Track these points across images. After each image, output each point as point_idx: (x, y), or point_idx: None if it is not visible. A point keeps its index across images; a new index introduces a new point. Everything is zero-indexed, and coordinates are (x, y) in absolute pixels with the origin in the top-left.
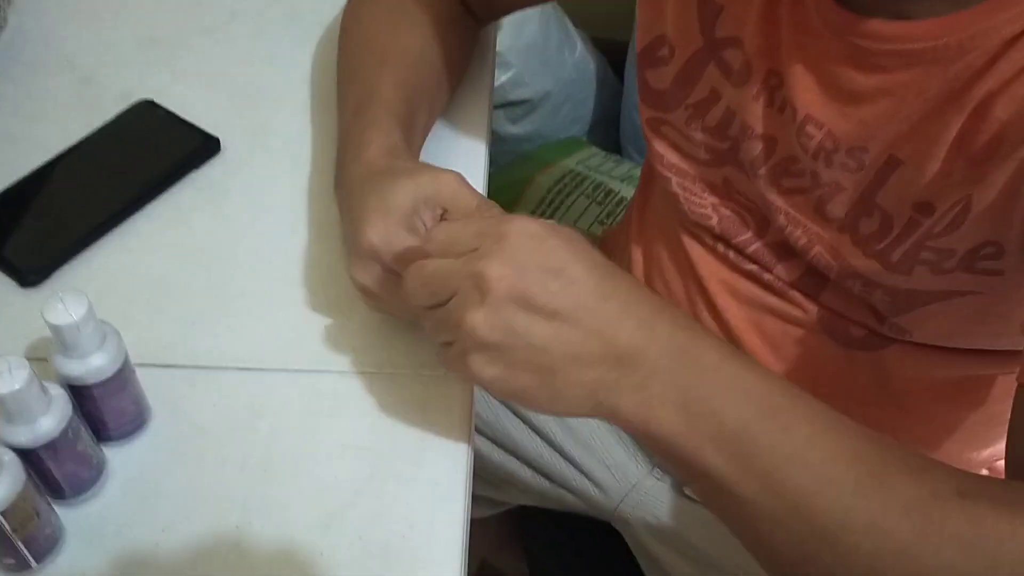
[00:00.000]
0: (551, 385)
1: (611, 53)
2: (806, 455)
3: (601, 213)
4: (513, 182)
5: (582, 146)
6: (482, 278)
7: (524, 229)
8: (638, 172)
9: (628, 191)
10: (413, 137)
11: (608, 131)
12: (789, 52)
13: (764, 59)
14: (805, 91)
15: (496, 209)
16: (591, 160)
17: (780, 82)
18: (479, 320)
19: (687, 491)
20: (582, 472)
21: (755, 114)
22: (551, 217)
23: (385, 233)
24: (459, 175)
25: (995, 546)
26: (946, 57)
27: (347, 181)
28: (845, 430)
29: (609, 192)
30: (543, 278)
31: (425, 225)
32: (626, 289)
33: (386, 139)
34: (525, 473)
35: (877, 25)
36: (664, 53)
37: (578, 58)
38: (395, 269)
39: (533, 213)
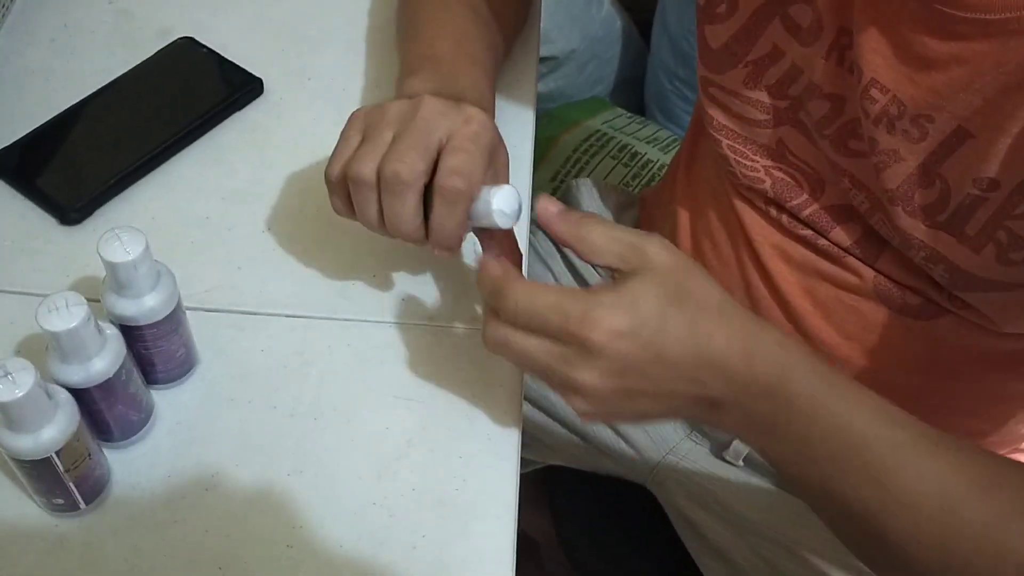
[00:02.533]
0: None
1: (637, 12)
2: (887, 482)
3: (627, 175)
4: (537, 141)
5: (607, 107)
6: (580, 386)
7: (611, 331)
8: (663, 135)
9: (654, 153)
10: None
11: (631, 93)
12: (861, 11)
13: (836, 16)
14: (873, 53)
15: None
16: (616, 121)
17: (851, 41)
18: (586, 408)
19: (725, 455)
20: (619, 433)
21: (824, 73)
22: (577, 176)
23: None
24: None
25: None
26: None
27: (429, 74)
28: (924, 454)
29: (635, 154)
30: (640, 373)
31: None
32: (719, 344)
33: (492, 113)
34: (560, 432)
35: None
36: (722, 10)
37: (605, 15)
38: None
39: (559, 173)
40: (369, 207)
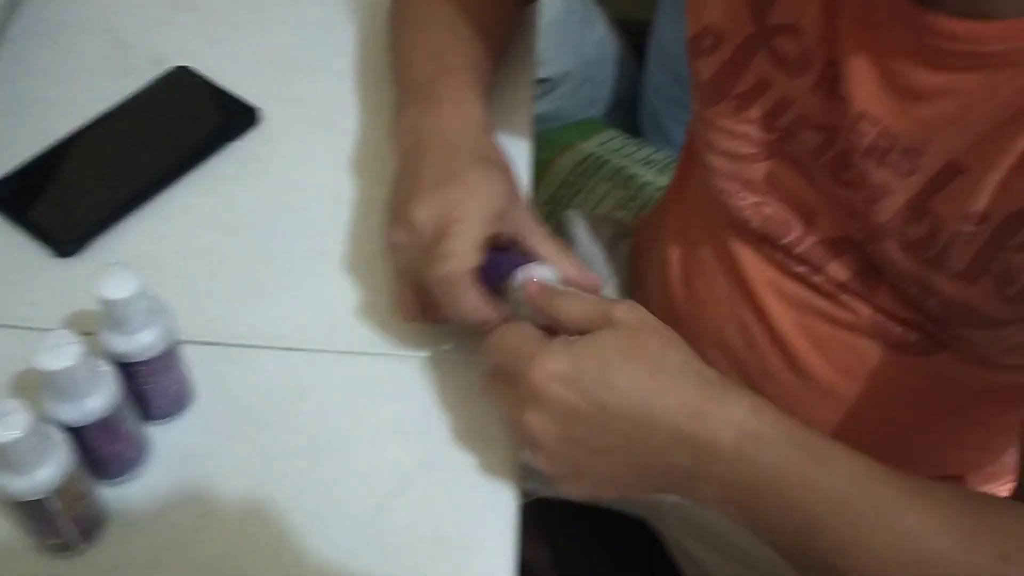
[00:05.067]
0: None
1: (632, 34)
2: (867, 543)
3: (623, 197)
4: (533, 163)
5: (601, 129)
6: (529, 430)
7: (549, 372)
8: (659, 156)
9: (650, 175)
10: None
11: (626, 114)
12: (848, 43)
13: (824, 48)
14: (862, 85)
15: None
16: (611, 143)
17: (840, 72)
18: (543, 462)
19: None
20: None
21: (814, 104)
22: (572, 199)
23: (460, 232)
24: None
25: None
26: (1018, 62)
27: (430, 128)
28: (905, 511)
29: (631, 176)
30: (585, 424)
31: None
32: (671, 403)
33: (481, 110)
34: None
35: (947, 23)
36: (707, 44)
37: (599, 37)
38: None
39: (554, 196)
40: None
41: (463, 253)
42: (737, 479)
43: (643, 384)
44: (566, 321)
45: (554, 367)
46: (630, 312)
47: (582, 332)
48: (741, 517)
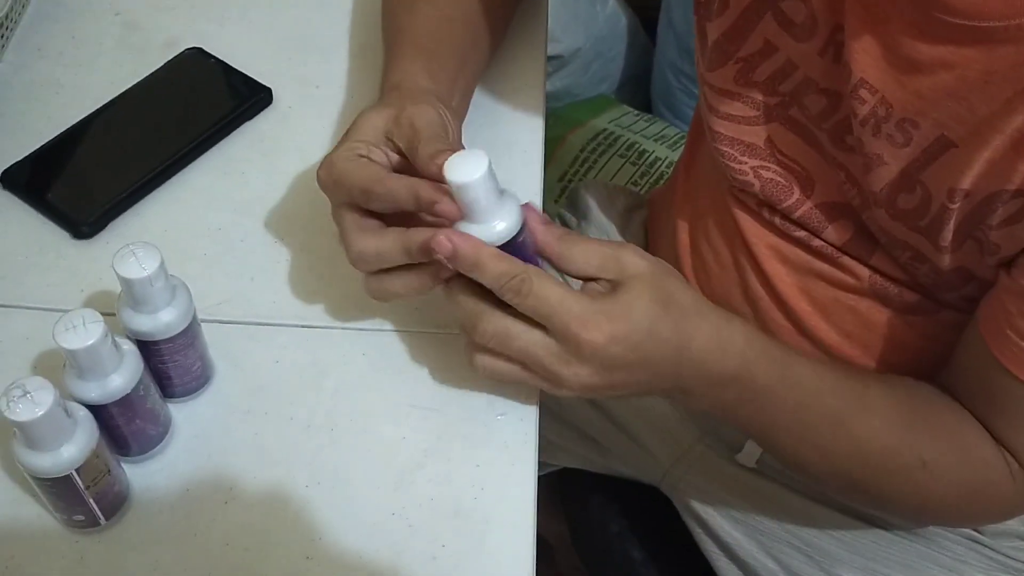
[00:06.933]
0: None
1: (642, 10)
2: (821, 448)
3: (635, 173)
4: (544, 141)
5: (613, 105)
6: (567, 382)
7: (608, 335)
8: (671, 132)
9: (662, 151)
10: (442, 69)
11: (637, 90)
12: (852, 10)
13: (829, 13)
14: (863, 53)
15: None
16: (623, 119)
17: (844, 38)
18: (567, 396)
19: (738, 458)
20: (632, 437)
21: (820, 69)
22: (585, 175)
23: (340, 156)
24: (433, 112)
25: (938, 508)
26: (1017, 38)
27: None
28: (850, 419)
29: (643, 152)
30: (627, 372)
31: (388, 154)
32: (699, 343)
33: (395, 75)
34: (573, 436)
35: None
36: (715, 7)
37: (610, 13)
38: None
39: (566, 173)
40: None
41: (336, 174)
42: (729, 396)
43: (679, 331)
44: (573, 266)
45: (611, 329)
46: (640, 258)
47: (590, 277)
48: (719, 416)
